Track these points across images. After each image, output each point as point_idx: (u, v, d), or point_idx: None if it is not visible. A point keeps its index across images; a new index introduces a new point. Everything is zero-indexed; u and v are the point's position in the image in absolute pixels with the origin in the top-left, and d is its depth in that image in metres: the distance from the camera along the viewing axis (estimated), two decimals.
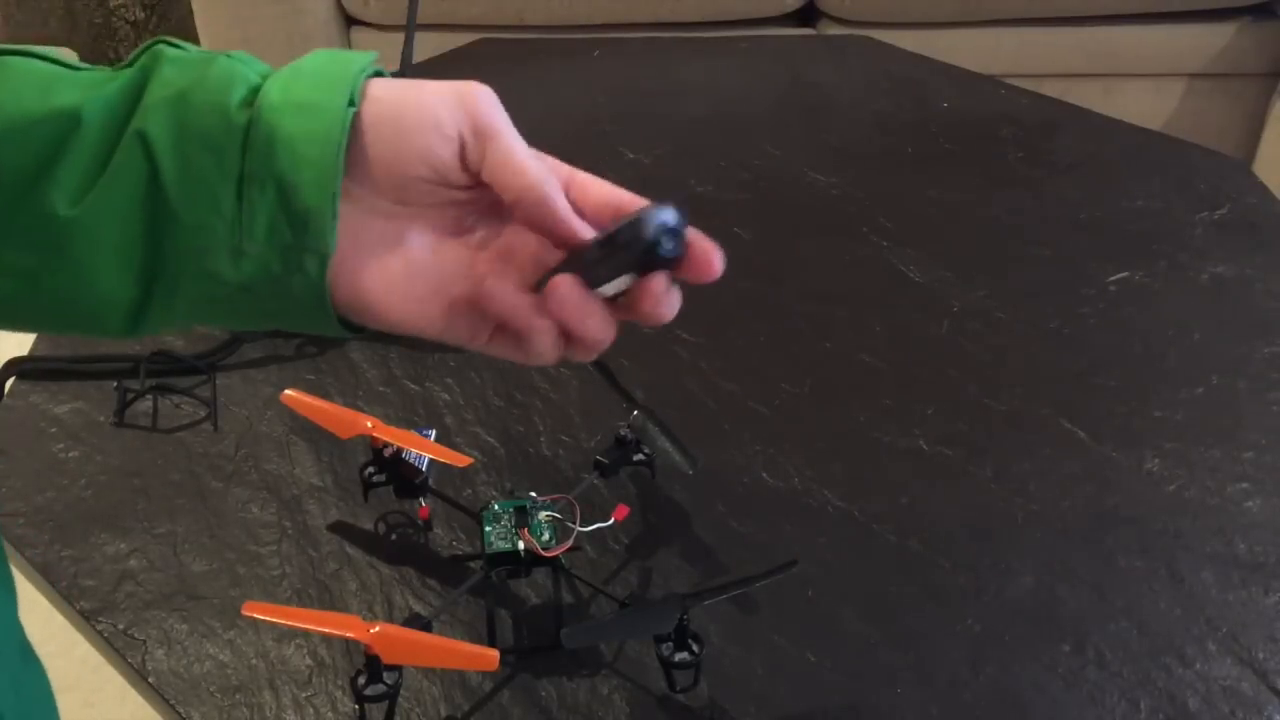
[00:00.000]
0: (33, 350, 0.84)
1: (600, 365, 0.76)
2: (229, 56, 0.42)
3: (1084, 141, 1.10)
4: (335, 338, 0.48)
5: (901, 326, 0.87)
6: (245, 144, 0.40)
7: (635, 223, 0.42)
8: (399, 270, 0.43)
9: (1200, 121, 2.10)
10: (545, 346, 0.43)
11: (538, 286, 0.43)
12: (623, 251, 0.42)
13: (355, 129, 0.41)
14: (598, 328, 0.43)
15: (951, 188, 1.03)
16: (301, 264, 0.41)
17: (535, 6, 2.09)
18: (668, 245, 0.42)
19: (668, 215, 0.42)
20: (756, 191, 1.03)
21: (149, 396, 0.79)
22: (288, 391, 0.72)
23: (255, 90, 0.41)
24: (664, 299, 0.44)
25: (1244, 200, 1.02)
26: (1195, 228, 0.98)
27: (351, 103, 0.41)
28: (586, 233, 0.44)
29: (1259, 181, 1.05)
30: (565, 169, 0.47)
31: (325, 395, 0.80)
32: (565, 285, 0.42)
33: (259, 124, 0.40)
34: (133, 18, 2.78)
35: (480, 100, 0.43)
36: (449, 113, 0.42)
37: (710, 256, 0.45)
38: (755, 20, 2.10)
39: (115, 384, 0.79)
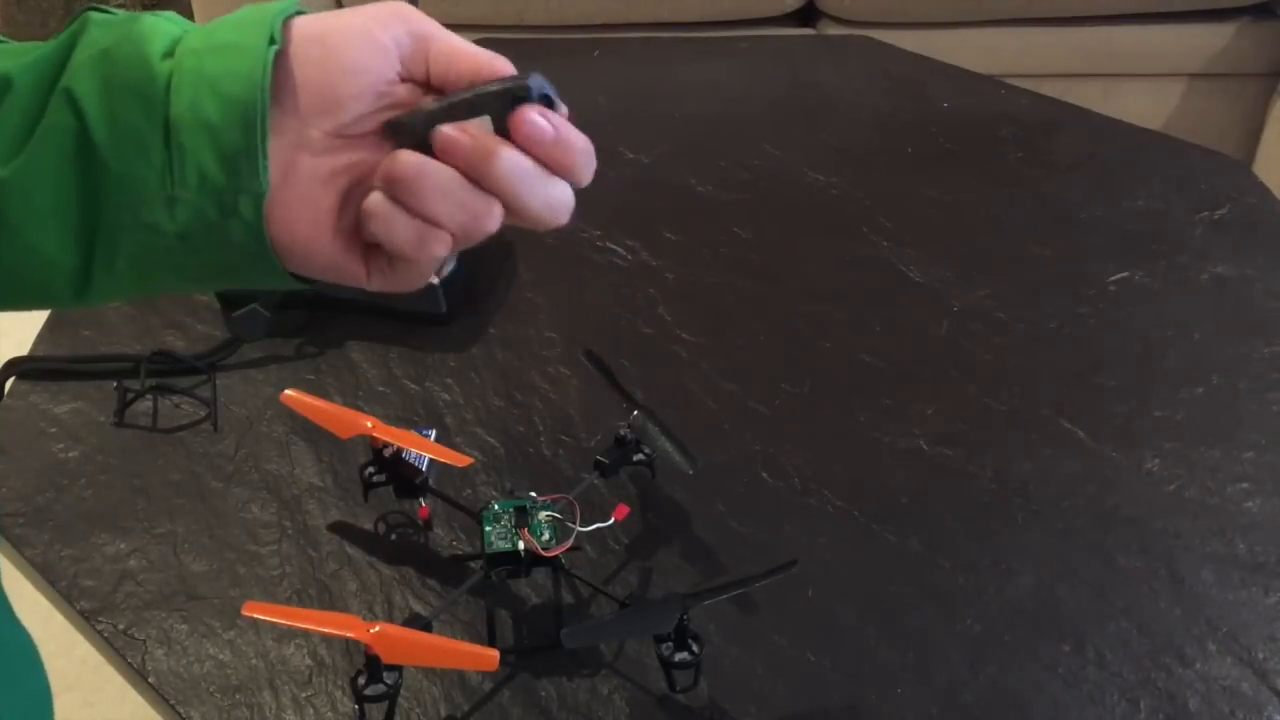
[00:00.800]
0: (33, 350, 0.84)
1: (600, 365, 0.76)
2: (154, 15, 0.42)
3: (1084, 141, 1.10)
4: (287, 290, 0.46)
5: (901, 326, 0.87)
6: (169, 90, 0.40)
7: (509, 78, 0.41)
8: (328, 207, 0.42)
9: (1200, 121, 2.10)
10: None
11: (387, 126, 0.42)
12: (490, 96, 0.40)
13: (281, 61, 0.41)
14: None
15: (951, 188, 1.03)
16: (236, 206, 0.40)
17: (535, 6, 2.09)
18: (536, 95, 0.40)
19: (541, 80, 0.41)
20: (756, 191, 1.03)
21: (149, 396, 0.79)
22: (288, 391, 0.72)
23: (177, 41, 0.41)
24: (538, 132, 0.41)
25: (1244, 200, 1.02)
26: (1195, 228, 0.98)
27: (273, 40, 0.40)
28: None
29: (1259, 181, 1.05)
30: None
31: (325, 395, 0.80)
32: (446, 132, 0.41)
33: (181, 70, 0.40)
34: None
35: (410, 10, 0.43)
36: (380, 25, 0.42)
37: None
38: (755, 20, 2.10)
39: (115, 384, 0.79)
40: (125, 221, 0.41)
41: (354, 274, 0.43)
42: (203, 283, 0.44)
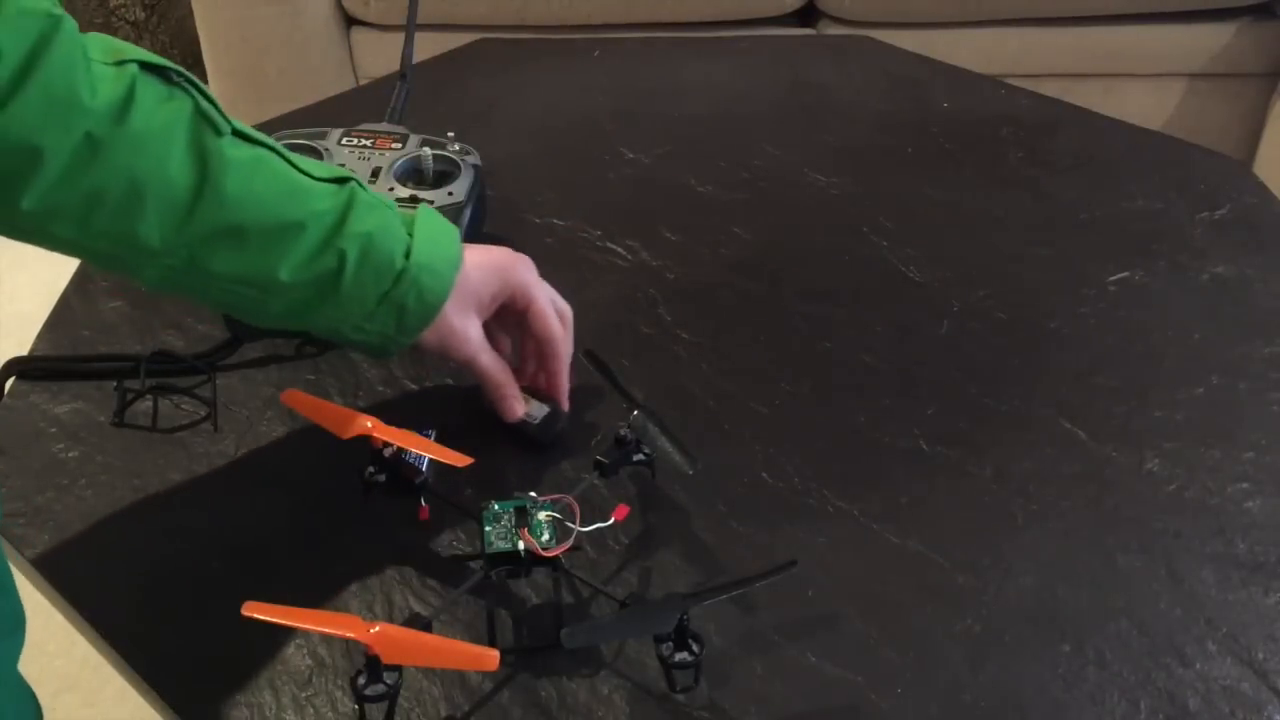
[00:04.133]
0: (33, 350, 0.84)
1: (600, 365, 0.76)
2: (390, 208, 0.69)
3: (1084, 141, 1.10)
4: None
5: (901, 326, 0.87)
6: (396, 280, 0.67)
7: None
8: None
9: (1200, 121, 2.10)
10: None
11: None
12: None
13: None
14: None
15: (952, 188, 1.03)
16: (389, 348, 0.71)
17: (535, 6, 2.09)
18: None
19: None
20: (756, 191, 1.03)
21: (149, 396, 0.79)
22: (288, 391, 0.72)
23: (408, 247, 0.67)
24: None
25: (1244, 200, 1.02)
26: (1195, 228, 0.98)
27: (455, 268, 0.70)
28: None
29: (1259, 181, 1.05)
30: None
31: (325, 395, 0.80)
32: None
33: (409, 272, 0.67)
34: (133, 18, 2.78)
35: (526, 264, 0.77)
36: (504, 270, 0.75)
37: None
38: (755, 20, 2.10)
39: (115, 384, 0.79)
40: (326, 320, 0.68)
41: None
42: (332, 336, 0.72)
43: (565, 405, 0.77)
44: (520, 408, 0.75)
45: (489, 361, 0.74)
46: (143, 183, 0.60)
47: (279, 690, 0.61)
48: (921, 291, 0.91)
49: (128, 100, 0.59)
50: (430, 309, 0.69)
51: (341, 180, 0.67)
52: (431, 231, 0.69)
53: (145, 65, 0.61)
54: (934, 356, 0.85)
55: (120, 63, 0.60)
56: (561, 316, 0.75)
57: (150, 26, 2.79)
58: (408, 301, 0.67)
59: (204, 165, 0.61)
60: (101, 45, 0.61)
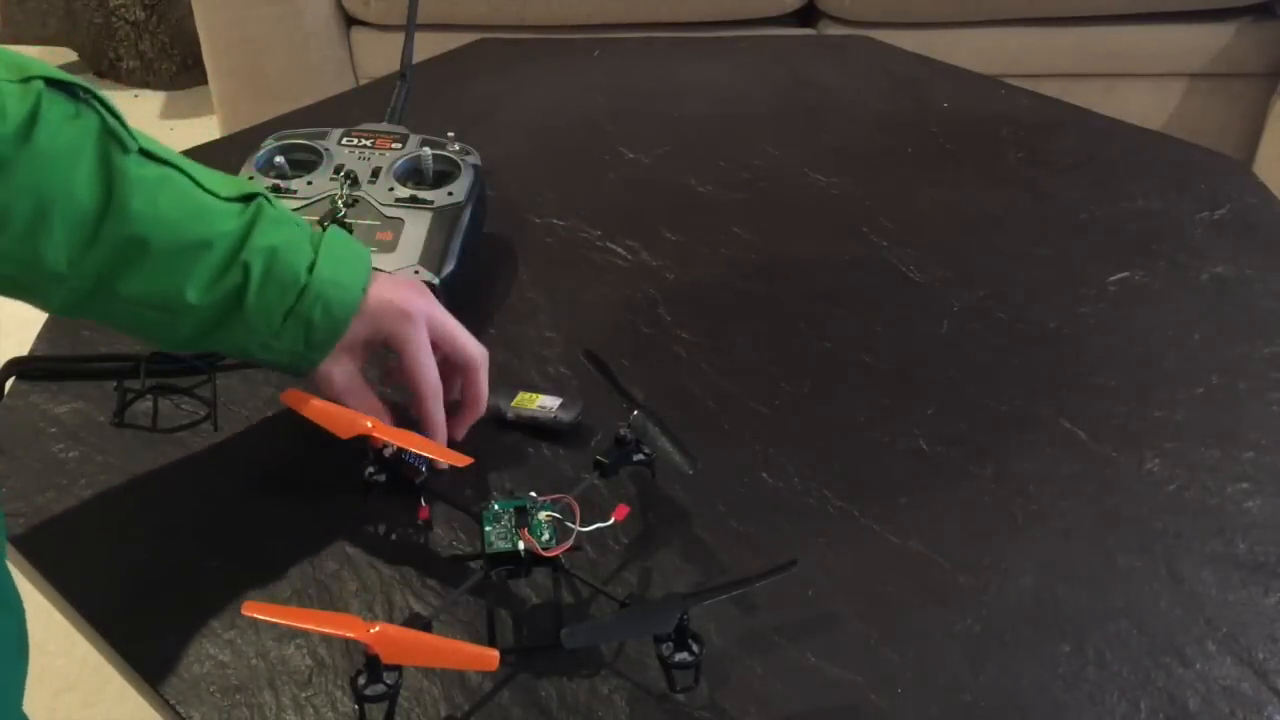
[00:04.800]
0: (33, 350, 0.84)
1: (600, 365, 0.76)
2: (298, 225, 0.68)
3: (1084, 141, 1.10)
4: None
5: (901, 326, 0.87)
6: (300, 294, 0.66)
7: None
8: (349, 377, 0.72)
9: (1200, 121, 2.10)
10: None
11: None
12: None
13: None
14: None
15: (952, 188, 1.03)
16: (301, 366, 0.70)
17: (535, 6, 2.09)
18: None
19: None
20: (756, 191, 1.03)
21: (149, 396, 0.79)
22: (288, 391, 0.72)
23: (312, 262, 0.66)
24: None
25: (1244, 200, 1.02)
26: (1195, 228, 0.98)
27: (364, 290, 0.69)
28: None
29: (1259, 181, 1.05)
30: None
31: None
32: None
33: (312, 286, 0.66)
34: (133, 18, 2.78)
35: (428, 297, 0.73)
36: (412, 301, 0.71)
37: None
38: (755, 20, 2.10)
39: (115, 384, 0.79)
40: (234, 339, 0.67)
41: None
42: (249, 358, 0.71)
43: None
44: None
45: (356, 405, 0.71)
46: (49, 203, 0.58)
47: (279, 690, 0.61)
48: (921, 291, 0.91)
49: (33, 118, 0.58)
50: (339, 323, 0.67)
51: (249, 197, 0.66)
52: (338, 249, 0.68)
53: (51, 81, 0.59)
54: (934, 356, 0.85)
55: (26, 79, 0.58)
56: (466, 363, 0.72)
57: (150, 26, 2.79)
58: (314, 316, 0.66)
59: (110, 184, 0.60)
60: (6, 61, 0.59)
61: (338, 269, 0.67)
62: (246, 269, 0.64)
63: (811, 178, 1.05)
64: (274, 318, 0.66)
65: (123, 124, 0.62)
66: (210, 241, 0.63)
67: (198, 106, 2.76)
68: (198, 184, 0.65)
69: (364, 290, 0.68)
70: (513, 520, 0.65)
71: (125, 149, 0.61)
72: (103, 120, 0.61)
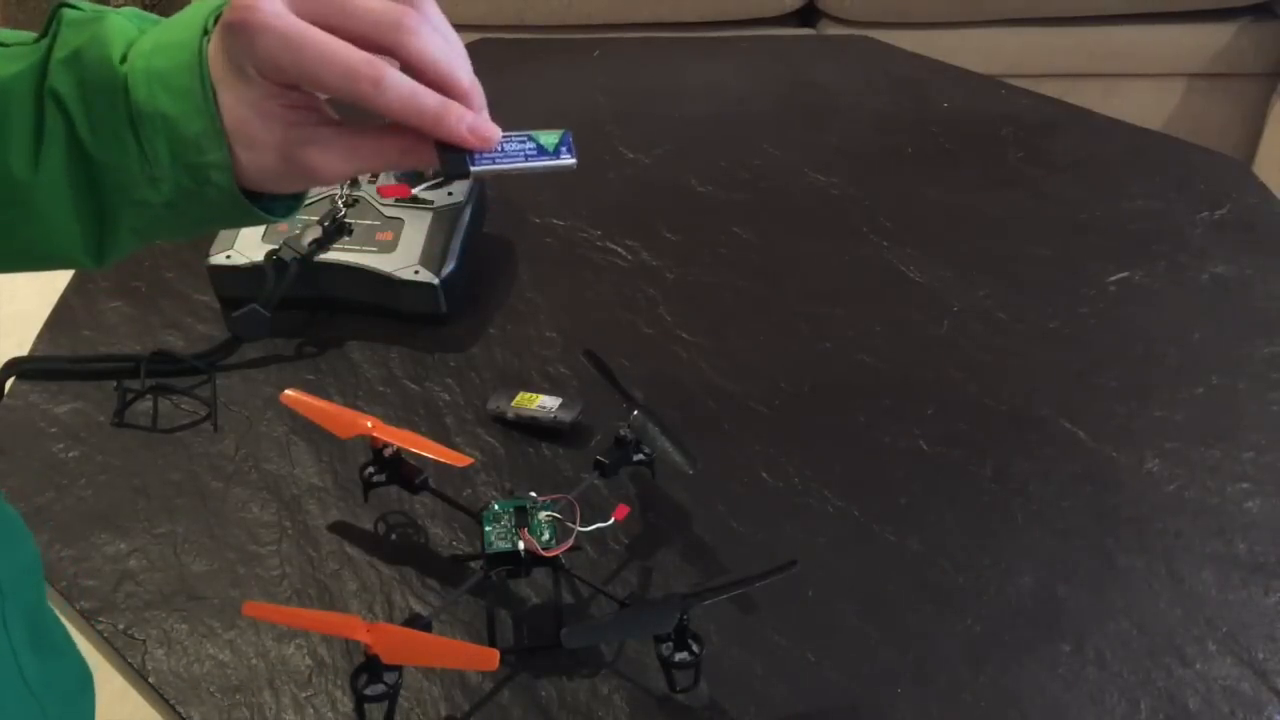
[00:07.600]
0: (33, 350, 0.84)
1: (600, 365, 0.76)
2: (117, 13, 0.48)
3: (1084, 141, 1.10)
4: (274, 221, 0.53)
5: (901, 326, 0.87)
6: (128, 89, 0.46)
7: None
8: (281, 132, 0.47)
9: (1200, 121, 2.10)
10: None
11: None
12: None
13: (217, 42, 0.45)
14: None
15: (951, 188, 1.03)
16: (208, 177, 0.46)
17: (535, 6, 2.08)
18: None
19: None
20: (756, 191, 1.03)
21: (149, 396, 0.79)
22: (288, 391, 0.72)
23: (133, 43, 0.47)
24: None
25: (1244, 200, 1.02)
26: (1195, 228, 0.98)
27: (205, 31, 0.46)
28: None
29: (1259, 181, 1.05)
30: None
31: (325, 395, 0.80)
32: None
33: (133, 71, 0.46)
34: None
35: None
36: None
37: None
38: (755, 20, 2.10)
39: (115, 384, 0.79)
40: (121, 201, 0.48)
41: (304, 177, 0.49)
42: (197, 233, 0.52)
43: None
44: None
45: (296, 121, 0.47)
46: None
47: (279, 690, 0.61)
48: (921, 291, 0.91)
49: None
50: (187, 96, 0.45)
51: (51, 25, 0.49)
52: (175, 16, 0.48)
53: None
54: (934, 356, 0.85)
55: None
56: (379, 20, 0.45)
57: None
58: (160, 104, 0.46)
59: None
60: None
61: (163, 30, 0.47)
62: (56, 97, 0.47)
63: (811, 178, 1.05)
64: (123, 138, 0.46)
65: None
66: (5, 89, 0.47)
67: None
68: None
69: (207, 30, 0.46)
70: (513, 520, 0.65)
71: None
72: None
